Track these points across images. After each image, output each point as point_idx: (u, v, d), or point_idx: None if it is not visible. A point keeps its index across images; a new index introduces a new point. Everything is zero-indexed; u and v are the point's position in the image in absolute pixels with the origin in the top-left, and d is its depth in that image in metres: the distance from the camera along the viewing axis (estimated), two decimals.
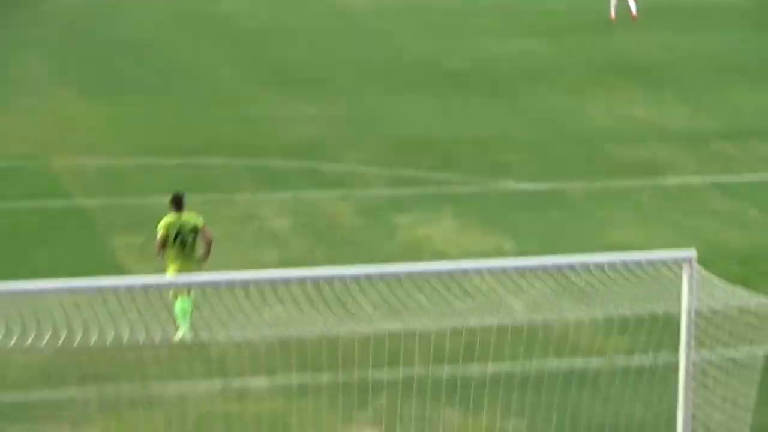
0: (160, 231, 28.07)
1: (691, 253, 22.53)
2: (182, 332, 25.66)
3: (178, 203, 28.50)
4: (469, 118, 43.14)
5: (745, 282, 23.10)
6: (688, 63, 54.66)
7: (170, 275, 27.43)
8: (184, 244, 28.02)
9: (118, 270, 28.75)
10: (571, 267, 23.33)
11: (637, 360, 23.56)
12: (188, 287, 25.90)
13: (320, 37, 59.14)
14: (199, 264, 28.05)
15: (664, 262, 22.89)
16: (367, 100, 45.10)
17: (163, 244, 28.03)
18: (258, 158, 38.76)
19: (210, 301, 23.76)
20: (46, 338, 21.42)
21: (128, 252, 30.07)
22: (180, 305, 26.00)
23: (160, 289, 25.48)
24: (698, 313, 22.27)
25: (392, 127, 41.88)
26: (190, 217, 28.41)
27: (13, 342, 21.19)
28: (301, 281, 23.66)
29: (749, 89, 48.88)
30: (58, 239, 32.70)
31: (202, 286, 25.03)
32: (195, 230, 28.22)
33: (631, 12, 66.24)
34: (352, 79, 48.51)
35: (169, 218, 28.28)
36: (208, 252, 28.15)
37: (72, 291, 22.23)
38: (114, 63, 49.51)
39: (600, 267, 23.06)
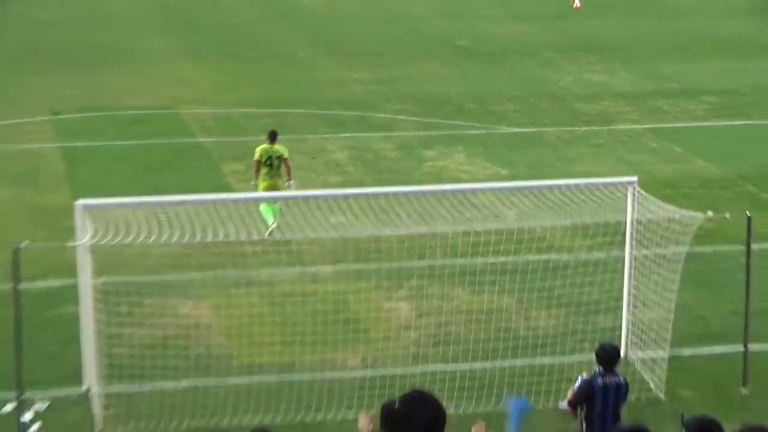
0: (256, 155, 28.55)
1: (633, 179, 22.88)
2: (271, 228, 25.89)
3: (272, 136, 28.96)
4: (474, 80, 43.28)
5: (671, 200, 23.44)
6: (634, 42, 54.43)
7: (261, 190, 27.76)
8: (271, 166, 28.37)
9: (226, 189, 29.15)
10: (549, 188, 23.73)
11: (595, 255, 23.92)
12: (275, 200, 26.22)
13: (365, 21, 59.01)
14: (282, 182, 28.31)
15: (614, 185, 23.21)
16: (400, 67, 45.22)
17: (258, 164, 28.30)
18: (325, 109, 38.99)
19: (291, 210, 24.12)
20: (175, 237, 21.66)
21: (234, 176, 30.34)
22: (268, 210, 26.27)
23: (255, 201, 26.15)
24: (638, 222, 22.53)
25: (419, 87, 42.12)
26: (278, 147, 28.77)
27: (152, 239, 21.46)
28: (356, 197, 24.07)
29: (679, 62, 48.80)
30: (184, 167, 33.08)
31: (285, 200, 25.63)
32: (280, 157, 28.58)
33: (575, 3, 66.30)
34: (390, 51, 48.54)
35: (263, 147, 28.74)
36: (288, 175, 28.43)
37: (194, 203, 22.71)
38: (221, 41, 49.33)
39: (569, 188, 23.36)
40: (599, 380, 16.67)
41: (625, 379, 17.17)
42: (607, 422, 16.39)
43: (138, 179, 31.56)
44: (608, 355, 17.07)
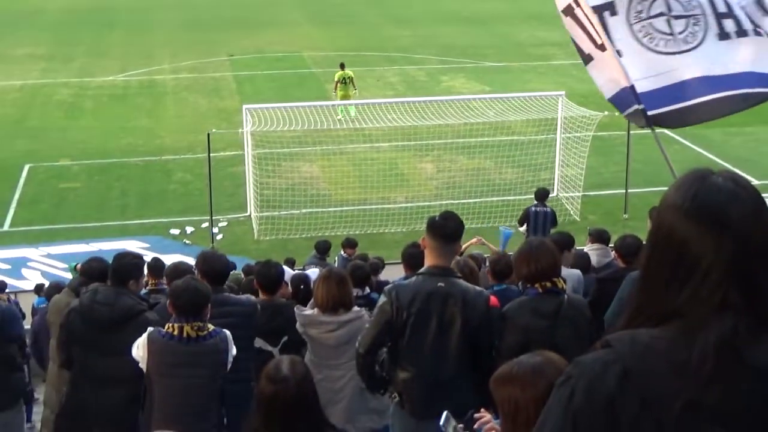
0: (335, 77, 27.91)
1: (562, 92, 22.24)
2: (347, 117, 25.04)
3: (342, 66, 28.24)
4: (471, 36, 41.86)
5: (583, 105, 22.64)
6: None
7: (339, 98, 27.15)
8: (345, 83, 27.64)
9: (327, 98, 28.37)
10: (515, 98, 23.08)
11: (540, 137, 23.23)
12: (349, 106, 25.47)
13: None
14: (351, 92, 27.67)
15: (552, 96, 22.60)
16: (430, 27, 43.74)
17: (336, 83, 27.70)
18: (384, 52, 38.07)
19: (365, 110, 23.51)
20: (299, 125, 21.33)
21: (330, 91, 29.46)
22: (344, 109, 25.53)
23: (341, 106, 25.51)
24: (564, 117, 21.97)
25: (439, 40, 40.70)
26: (348, 72, 28.01)
27: (286, 127, 21.17)
28: (401, 103, 23.47)
29: None
30: (301, 87, 32.49)
31: (357, 105, 24.89)
32: (351, 78, 27.78)
33: None
34: (423, 17, 46.90)
35: (339, 72, 27.96)
36: (353, 86, 27.75)
37: (310, 107, 22.24)
38: (326, 11, 48.14)
39: (525, 98, 22.77)
40: (533, 209, 16.67)
41: (551, 209, 16.97)
42: (537, 235, 16.12)
43: (278, 93, 30.84)
44: (539, 194, 17.10)
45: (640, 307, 1.98)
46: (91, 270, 7.67)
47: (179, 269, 8.31)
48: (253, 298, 7.40)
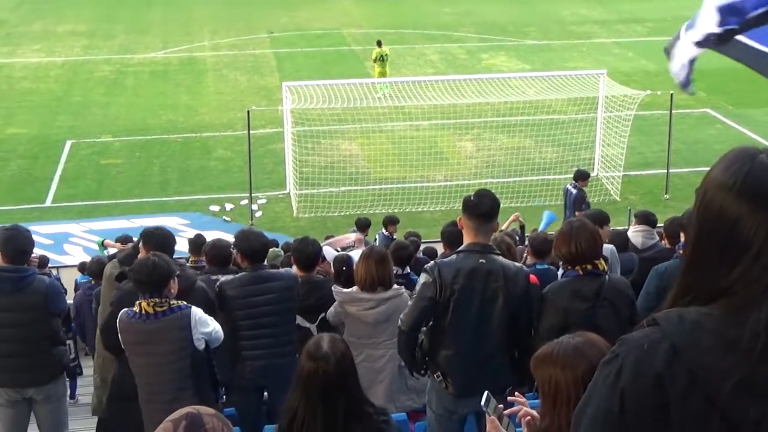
0: (373, 54, 28.10)
1: (603, 71, 22.00)
2: (386, 91, 24.99)
3: (379, 43, 28.31)
4: (513, 12, 41.39)
5: (625, 83, 22.42)
6: None
7: (376, 74, 27.22)
8: (382, 61, 27.69)
9: (367, 75, 28.30)
10: (555, 76, 22.90)
11: (580, 116, 23.01)
12: (384, 83, 25.38)
13: None
14: (387, 69, 27.93)
15: (594, 75, 22.38)
16: (471, 5, 43.22)
17: (374, 60, 27.84)
18: (425, 30, 37.86)
19: (405, 87, 23.38)
20: (339, 103, 21.31)
21: (371, 68, 29.39)
22: (382, 87, 25.48)
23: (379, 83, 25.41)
24: (606, 96, 21.76)
25: (479, 17, 40.33)
26: (384, 49, 28.12)
27: (326, 105, 21.17)
28: (441, 81, 23.38)
29: (635, 2, 46.21)
30: (340, 64, 32.35)
31: (396, 83, 24.75)
32: (386, 55, 27.92)
33: None
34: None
35: (376, 49, 28.01)
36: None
37: (349, 84, 22.21)
38: None
39: (567, 77, 22.58)
40: (570, 187, 16.64)
41: (578, 192, 16.64)
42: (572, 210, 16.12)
43: (318, 70, 30.88)
44: (578, 174, 16.92)
45: (687, 287, 1.97)
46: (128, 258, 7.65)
47: (217, 246, 8.33)
48: (293, 271, 7.41)
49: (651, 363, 1.87)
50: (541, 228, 8.53)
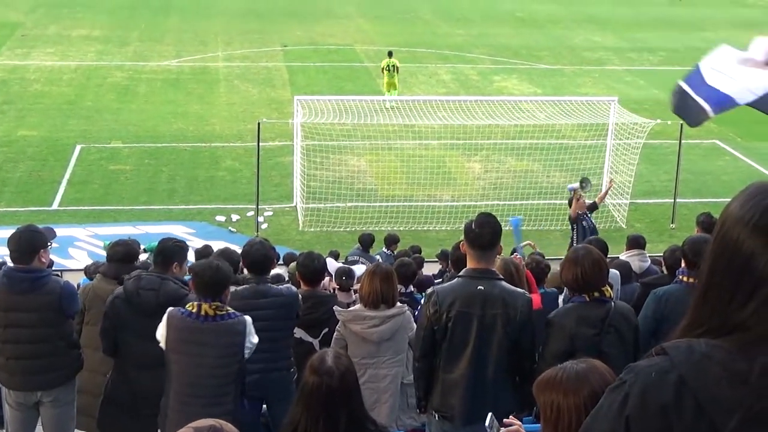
0: (382, 64, 28.31)
1: (614, 98, 22.01)
2: (391, 105, 24.95)
3: (390, 54, 28.63)
4: (525, 37, 41.47)
5: (635, 111, 22.45)
6: (620, 16, 51.67)
7: (385, 84, 27.50)
8: (390, 70, 27.82)
9: (378, 92, 28.34)
10: (565, 101, 22.92)
11: (589, 142, 23.01)
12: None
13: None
14: (396, 80, 28.16)
15: (605, 102, 22.41)
16: (484, 27, 43.34)
17: (383, 70, 28.13)
18: (437, 49, 37.92)
19: (414, 106, 23.41)
20: (349, 118, 21.33)
21: (379, 82, 29.43)
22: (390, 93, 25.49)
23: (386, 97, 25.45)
24: (616, 124, 21.78)
25: (492, 39, 40.35)
26: (394, 60, 28.30)
27: (336, 119, 21.19)
28: (452, 101, 23.41)
29: (653, 29, 46.19)
30: (353, 80, 32.41)
31: (407, 101, 24.79)
32: (395, 66, 28.12)
33: None
34: (477, 17, 46.52)
35: (385, 60, 28.15)
36: (396, 71, 28.14)
37: (359, 100, 22.23)
38: (381, 8, 47.96)
39: (577, 102, 22.60)
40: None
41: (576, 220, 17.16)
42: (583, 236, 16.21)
43: (330, 85, 30.98)
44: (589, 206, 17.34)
45: (699, 319, 1.97)
46: (116, 254, 7.74)
47: (223, 255, 8.35)
48: (293, 288, 7.42)
49: (658, 392, 1.87)
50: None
